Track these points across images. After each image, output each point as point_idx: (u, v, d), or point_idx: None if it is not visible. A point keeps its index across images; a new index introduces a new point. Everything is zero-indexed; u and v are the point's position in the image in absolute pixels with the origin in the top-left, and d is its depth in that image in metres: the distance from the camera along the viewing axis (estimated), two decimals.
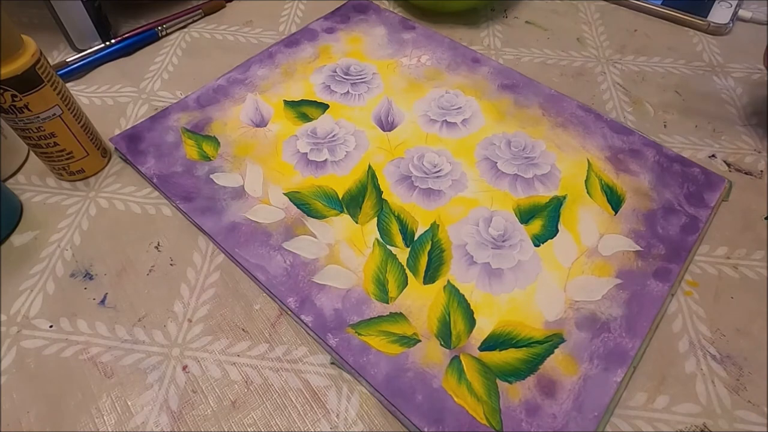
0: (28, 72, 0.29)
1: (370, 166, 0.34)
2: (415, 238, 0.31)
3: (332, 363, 0.27)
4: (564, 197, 0.32)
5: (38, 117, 0.31)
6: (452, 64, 0.41)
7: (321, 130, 0.37)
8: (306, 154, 0.35)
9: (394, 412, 0.25)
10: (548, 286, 0.29)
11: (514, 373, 0.26)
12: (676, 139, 0.37)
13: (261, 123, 0.37)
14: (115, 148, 0.36)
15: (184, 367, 0.27)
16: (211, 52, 0.44)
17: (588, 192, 0.33)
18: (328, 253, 0.30)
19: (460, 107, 0.38)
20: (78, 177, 0.35)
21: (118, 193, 0.35)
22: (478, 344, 0.27)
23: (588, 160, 0.34)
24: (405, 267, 0.30)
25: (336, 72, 0.41)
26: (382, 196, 0.33)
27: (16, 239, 0.32)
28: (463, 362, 0.26)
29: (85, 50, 0.43)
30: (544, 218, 0.31)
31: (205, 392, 0.26)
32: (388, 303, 0.28)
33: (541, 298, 0.28)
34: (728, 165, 0.35)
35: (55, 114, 0.31)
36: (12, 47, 0.28)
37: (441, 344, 0.27)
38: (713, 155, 0.36)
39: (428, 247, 0.30)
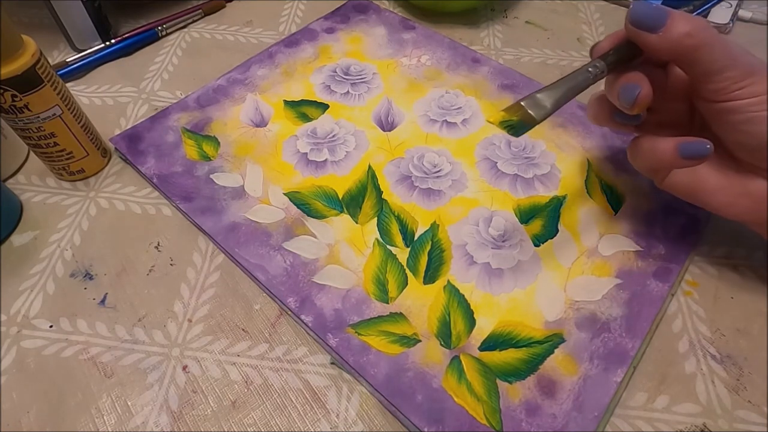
0: (28, 72, 0.29)
1: (370, 166, 0.34)
2: (415, 238, 0.31)
3: (332, 363, 0.27)
4: (564, 197, 0.32)
5: (38, 117, 0.31)
6: (452, 64, 0.41)
7: (321, 130, 0.37)
8: (306, 154, 0.35)
9: (394, 412, 0.25)
10: (548, 286, 0.29)
11: (514, 373, 0.26)
12: None
13: (261, 123, 0.37)
14: (115, 148, 0.36)
15: (184, 367, 0.27)
16: (211, 52, 0.44)
17: (588, 192, 0.33)
18: (328, 253, 0.30)
19: (460, 107, 0.38)
20: (78, 177, 0.35)
21: (118, 193, 0.35)
22: (478, 344, 0.27)
23: (588, 160, 0.34)
24: (405, 267, 0.30)
25: (336, 72, 0.41)
26: (382, 196, 0.33)
27: (16, 239, 0.32)
28: (463, 362, 0.26)
29: (85, 50, 0.43)
30: (544, 218, 0.31)
31: (205, 392, 0.26)
32: (388, 303, 0.28)
33: (541, 298, 0.28)
34: None
35: (55, 114, 0.31)
36: (12, 47, 0.28)
37: (441, 344, 0.27)
38: None
39: (428, 247, 0.30)
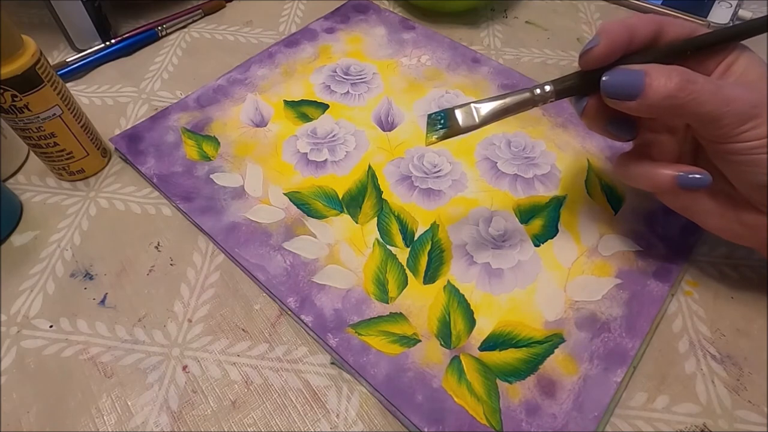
0: (28, 72, 0.29)
1: (370, 166, 0.34)
2: (415, 238, 0.31)
3: (332, 363, 0.27)
4: (564, 197, 0.32)
5: (38, 117, 0.31)
6: (452, 64, 0.41)
7: (321, 130, 0.37)
8: (306, 154, 0.35)
9: (394, 412, 0.25)
10: (548, 286, 0.29)
11: (514, 373, 0.26)
12: None
13: (261, 123, 0.37)
14: (115, 148, 0.36)
15: (184, 367, 0.27)
16: (211, 52, 0.44)
17: (588, 192, 0.33)
18: (328, 253, 0.30)
19: None
20: (78, 177, 0.35)
21: (118, 193, 0.35)
22: (478, 344, 0.27)
23: (588, 160, 0.34)
24: (405, 267, 0.30)
25: (336, 72, 0.41)
26: (382, 196, 0.33)
27: (16, 239, 0.32)
28: (463, 362, 0.26)
29: (85, 50, 0.43)
30: (544, 218, 0.31)
31: (205, 392, 0.26)
32: (388, 303, 0.28)
33: (541, 298, 0.28)
34: None
35: (55, 114, 0.31)
36: (12, 47, 0.28)
37: (441, 344, 0.27)
38: None
39: (428, 247, 0.30)
